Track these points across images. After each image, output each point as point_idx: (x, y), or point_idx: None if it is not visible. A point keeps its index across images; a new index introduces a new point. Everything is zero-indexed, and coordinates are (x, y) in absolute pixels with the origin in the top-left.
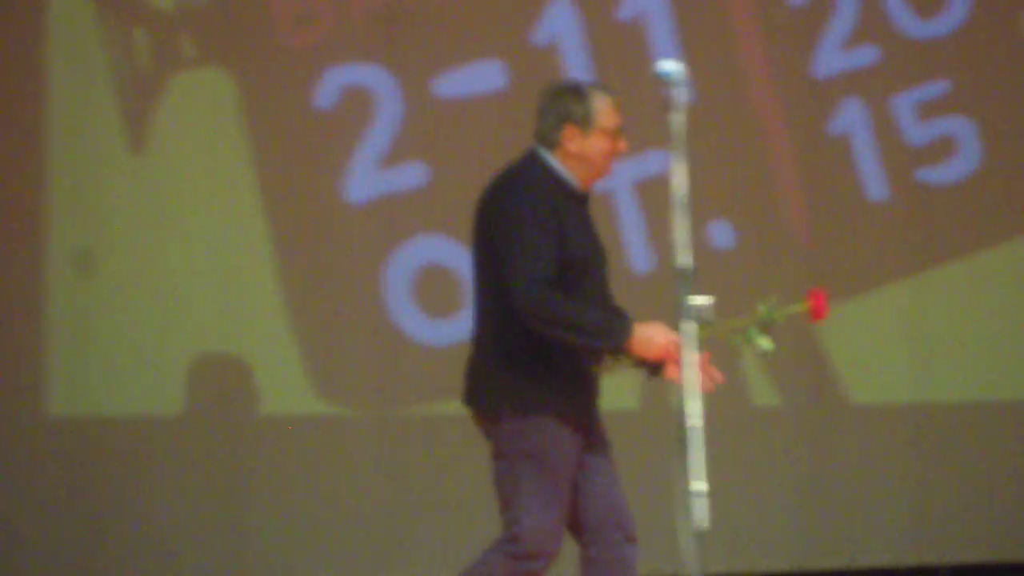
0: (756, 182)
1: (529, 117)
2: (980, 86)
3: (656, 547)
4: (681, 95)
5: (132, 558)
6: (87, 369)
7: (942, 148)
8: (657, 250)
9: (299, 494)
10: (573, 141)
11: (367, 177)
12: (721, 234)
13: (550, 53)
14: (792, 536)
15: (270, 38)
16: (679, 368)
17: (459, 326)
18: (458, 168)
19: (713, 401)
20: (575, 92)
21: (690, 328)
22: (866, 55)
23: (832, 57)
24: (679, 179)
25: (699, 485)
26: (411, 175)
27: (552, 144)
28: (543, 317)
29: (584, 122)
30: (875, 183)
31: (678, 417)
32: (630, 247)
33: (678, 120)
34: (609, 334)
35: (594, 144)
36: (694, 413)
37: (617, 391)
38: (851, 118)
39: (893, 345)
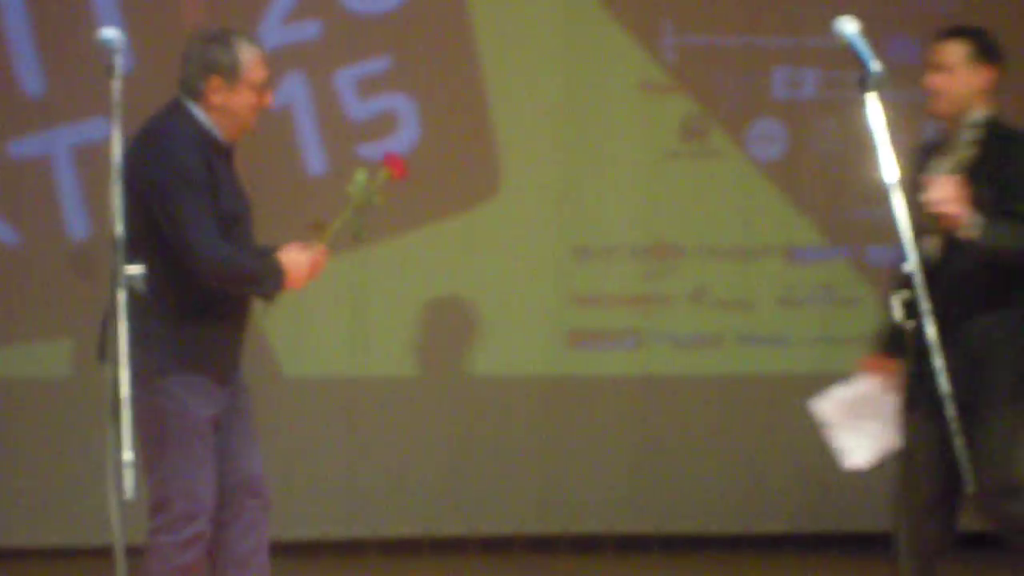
0: None
1: None
2: (419, 63)
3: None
4: (120, 62)
5: None
6: None
7: (383, 124)
8: (94, 217)
9: None
10: (218, 94)
11: None
12: None
13: None
14: None
15: None
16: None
17: None
18: None
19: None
20: (222, 42)
21: (123, 297)
22: (309, 29)
23: (274, 30)
24: (117, 147)
25: (128, 455)
26: None
27: (196, 95)
28: (225, 276)
29: (231, 74)
30: (315, 158)
31: (111, 386)
32: (68, 213)
33: (116, 88)
34: (276, 276)
35: (240, 98)
36: (126, 382)
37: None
38: (292, 92)
39: (332, 319)
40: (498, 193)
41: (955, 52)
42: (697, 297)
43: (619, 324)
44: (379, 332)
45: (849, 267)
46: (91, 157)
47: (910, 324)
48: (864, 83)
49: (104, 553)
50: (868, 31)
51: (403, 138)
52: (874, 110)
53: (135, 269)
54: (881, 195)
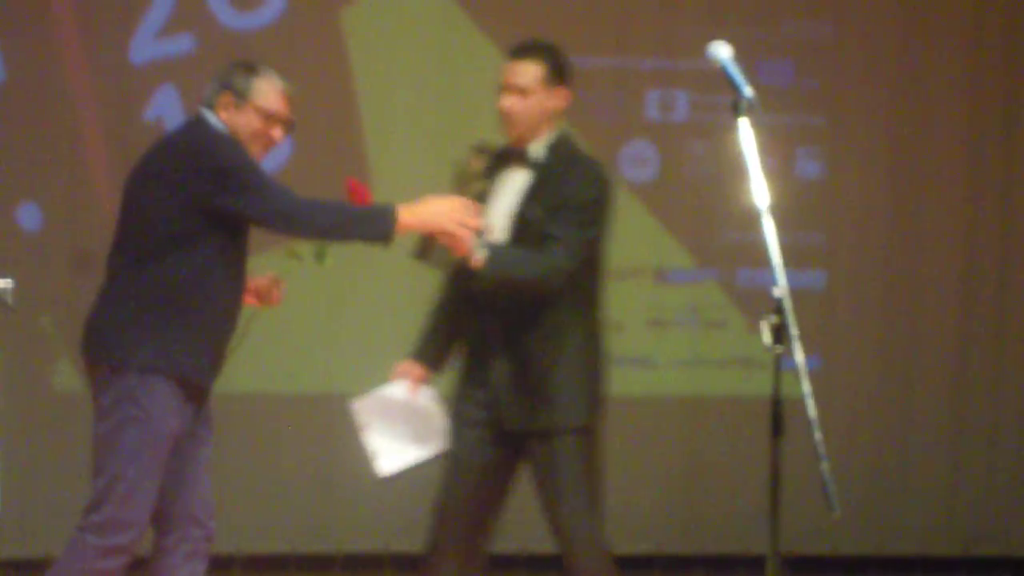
0: (66, 164)
1: None
2: (292, 79)
3: None
4: None
5: None
6: None
7: None
8: None
9: None
10: (226, 110)
11: None
12: (29, 216)
13: None
14: None
15: None
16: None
17: None
18: None
19: None
20: (246, 67)
21: None
22: (182, 44)
23: (147, 45)
24: None
25: None
26: None
27: (210, 106)
28: (324, 222)
29: (240, 94)
30: None
31: None
32: None
33: None
34: (383, 216)
35: (244, 119)
36: None
37: None
38: (165, 105)
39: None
40: None
41: (531, 73)
42: None
43: None
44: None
45: (718, 289)
46: None
47: (779, 349)
48: (737, 108)
49: None
50: (741, 55)
51: (275, 154)
52: (746, 135)
53: (2, 283)
54: (751, 218)
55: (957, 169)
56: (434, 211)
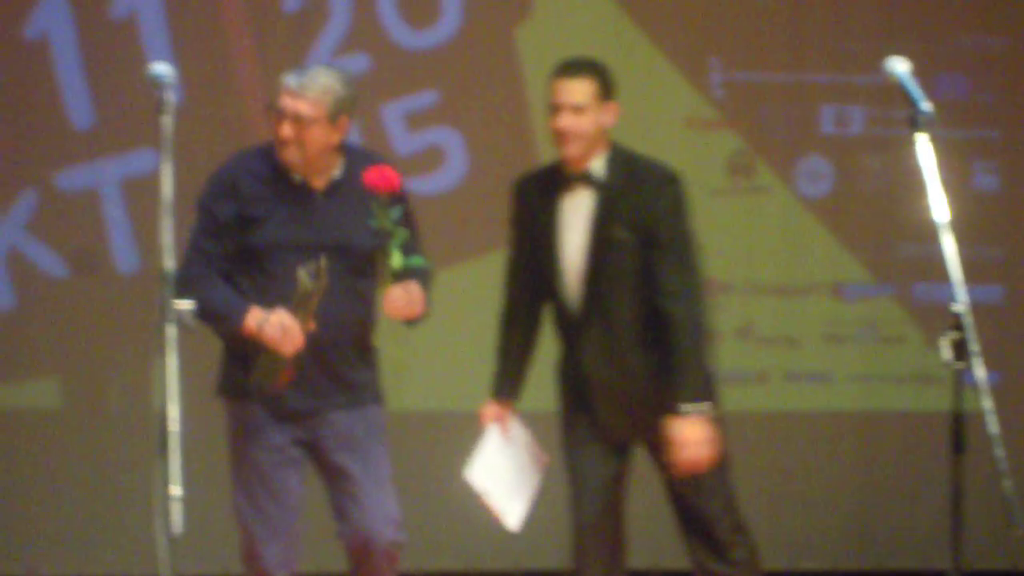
0: None
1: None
2: (467, 97)
3: (131, 550)
4: (171, 98)
5: None
6: None
7: (430, 158)
8: (141, 251)
9: None
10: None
11: None
12: None
13: (40, 48)
14: None
15: None
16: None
17: None
18: None
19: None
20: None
21: (172, 331)
22: (357, 63)
23: (323, 63)
24: (167, 181)
25: (176, 489)
26: None
27: None
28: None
29: (271, 101)
30: None
31: (160, 420)
32: (115, 247)
33: (167, 122)
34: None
35: (271, 122)
36: (175, 417)
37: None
38: None
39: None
40: None
41: (584, 91)
42: (743, 334)
43: None
44: (421, 365)
45: (895, 304)
46: (139, 190)
47: (959, 365)
48: (914, 122)
49: None
50: (917, 69)
51: (450, 172)
52: (924, 149)
53: (184, 304)
54: (928, 233)
55: None
56: (274, 324)
